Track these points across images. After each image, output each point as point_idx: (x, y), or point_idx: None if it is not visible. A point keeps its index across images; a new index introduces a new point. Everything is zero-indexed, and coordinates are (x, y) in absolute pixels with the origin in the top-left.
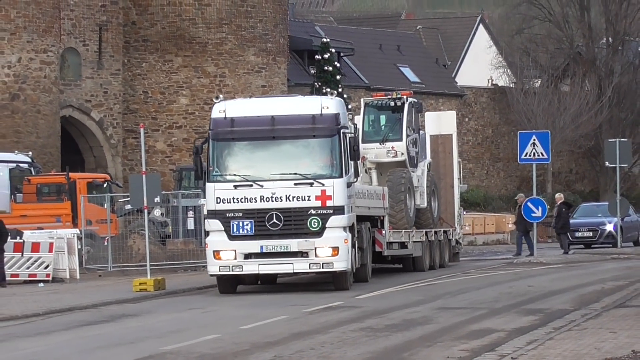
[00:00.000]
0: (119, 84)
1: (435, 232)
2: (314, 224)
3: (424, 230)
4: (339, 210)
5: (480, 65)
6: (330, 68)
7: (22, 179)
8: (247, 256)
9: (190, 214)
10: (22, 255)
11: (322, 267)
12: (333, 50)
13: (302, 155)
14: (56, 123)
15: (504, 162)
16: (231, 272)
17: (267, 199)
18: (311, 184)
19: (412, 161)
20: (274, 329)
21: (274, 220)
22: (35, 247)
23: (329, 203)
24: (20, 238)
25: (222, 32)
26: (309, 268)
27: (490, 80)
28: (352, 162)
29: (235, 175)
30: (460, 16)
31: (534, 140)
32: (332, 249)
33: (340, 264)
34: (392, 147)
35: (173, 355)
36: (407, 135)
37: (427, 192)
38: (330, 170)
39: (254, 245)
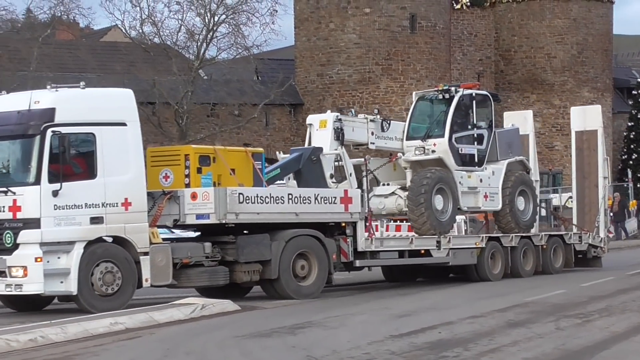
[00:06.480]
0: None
1: (527, 237)
2: (8, 240)
3: (485, 235)
4: (31, 223)
5: None
6: None
7: None
8: None
9: (543, 204)
10: None
11: (15, 289)
12: None
13: (5, 159)
14: None
15: None
16: None
17: None
18: (5, 193)
19: (462, 159)
20: (604, 286)
21: None
22: None
23: (19, 215)
24: None
25: (565, 76)
26: (5, 290)
27: None
28: (62, 166)
29: None
30: None
31: None
32: (22, 268)
33: (31, 286)
34: (434, 144)
35: (533, 304)
36: (453, 131)
37: (503, 194)
38: (24, 177)
39: None
